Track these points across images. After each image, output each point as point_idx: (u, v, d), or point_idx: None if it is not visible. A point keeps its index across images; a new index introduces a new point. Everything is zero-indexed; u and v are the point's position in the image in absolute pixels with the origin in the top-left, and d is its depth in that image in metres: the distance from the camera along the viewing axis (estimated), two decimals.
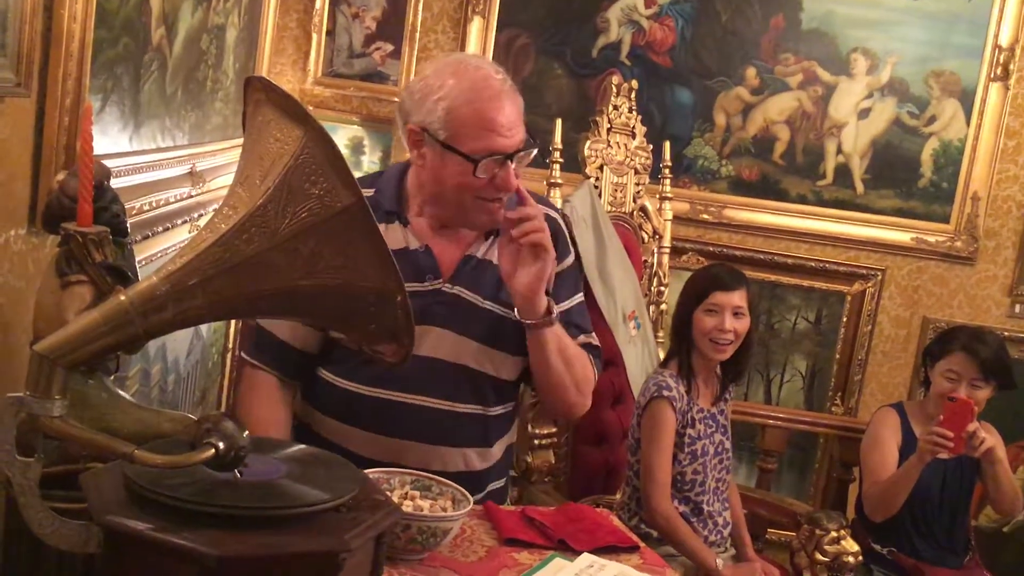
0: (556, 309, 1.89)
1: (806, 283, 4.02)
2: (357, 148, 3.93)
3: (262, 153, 1.16)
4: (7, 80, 1.52)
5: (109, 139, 2.02)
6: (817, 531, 2.52)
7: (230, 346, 3.40)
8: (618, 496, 2.73)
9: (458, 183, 1.83)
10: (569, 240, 2.09)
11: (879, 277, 3.98)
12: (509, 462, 2.14)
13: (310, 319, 1.62)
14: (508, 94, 1.85)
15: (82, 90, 1.75)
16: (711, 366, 2.57)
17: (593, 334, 2.07)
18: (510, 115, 1.83)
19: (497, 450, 2.02)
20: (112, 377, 1.43)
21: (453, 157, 1.82)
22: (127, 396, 1.44)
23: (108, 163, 1.66)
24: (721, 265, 2.66)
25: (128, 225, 1.54)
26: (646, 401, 2.49)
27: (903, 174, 3.94)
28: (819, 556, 2.51)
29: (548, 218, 1.91)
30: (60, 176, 1.58)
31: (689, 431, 2.49)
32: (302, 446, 1.33)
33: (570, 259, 2.07)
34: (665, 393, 2.46)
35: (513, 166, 1.83)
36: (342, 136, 3.87)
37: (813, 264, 3.99)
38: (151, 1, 2.16)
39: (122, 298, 1.12)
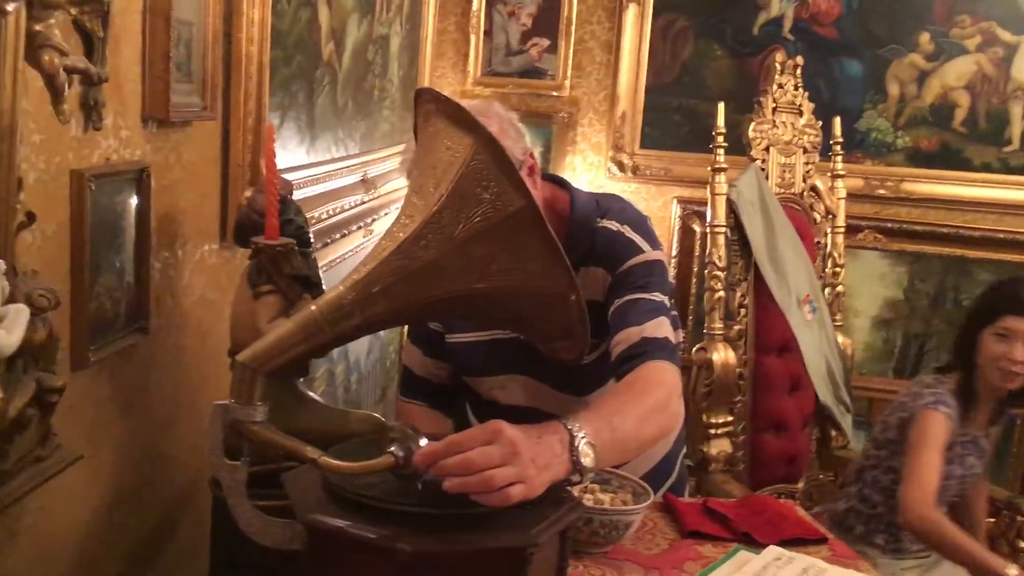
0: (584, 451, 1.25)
1: (995, 256, 3.79)
2: None
3: (434, 162, 1.19)
4: (194, 105, 1.61)
5: (288, 153, 2.12)
6: (1017, 517, 2.43)
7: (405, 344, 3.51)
8: (800, 485, 2.67)
9: None
10: (641, 238, 1.76)
11: None
12: (677, 450, 2.01)
13: (485, 320, 1.65)
14: None
15: (262, 109, 1.84)
16: (998, 394, 2.38)
17: (661, 322, 1.66)
18: None
19: None
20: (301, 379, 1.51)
21: None
22: (316, 397, 1.52)
23: (288, 176, 1.74)
24: (1022, 283, 2.40)
25: (311, 235, 1.62)
26: (921, 408, 2.35)
27: None
28: (1021, 543, 2.42)
29: (586, 230, 1.74)
30: (248, 193, 1.68)
31: (945, 452, 2.35)
32: None
33: (640, 256, 1.74)
34: (943, 409, 2.33)
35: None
36: None
37: (1002, 235, 3.76)
38: (320, 18, 2.26)
39: (312, 308, 1.18)
